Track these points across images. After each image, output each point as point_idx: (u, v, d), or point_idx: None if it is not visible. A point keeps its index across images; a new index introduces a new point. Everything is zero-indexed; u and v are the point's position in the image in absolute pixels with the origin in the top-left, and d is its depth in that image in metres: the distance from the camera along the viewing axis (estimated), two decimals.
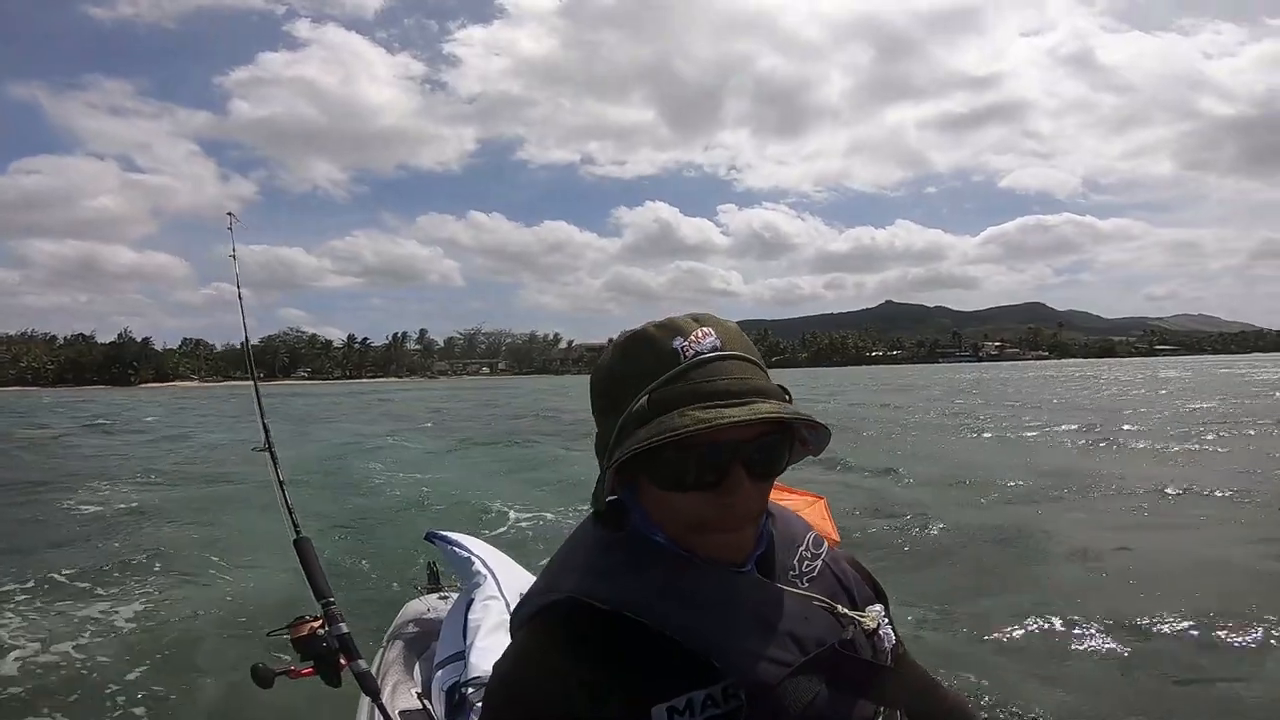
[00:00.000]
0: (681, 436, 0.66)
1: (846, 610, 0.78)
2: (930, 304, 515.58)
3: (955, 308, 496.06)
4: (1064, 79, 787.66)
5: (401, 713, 1.76)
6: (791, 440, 0.76)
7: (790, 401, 0.73)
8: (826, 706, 0.73)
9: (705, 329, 0.72)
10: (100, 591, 4.98)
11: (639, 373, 0.71)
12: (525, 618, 0.77)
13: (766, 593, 0.75)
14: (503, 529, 6.76)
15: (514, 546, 4.04)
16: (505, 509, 7.53)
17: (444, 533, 2.28)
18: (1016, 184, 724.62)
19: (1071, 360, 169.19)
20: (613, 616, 0.71)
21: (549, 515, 7.25)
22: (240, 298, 2.68)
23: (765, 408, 0.68)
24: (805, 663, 0.72)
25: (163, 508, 8.17)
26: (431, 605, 2.34)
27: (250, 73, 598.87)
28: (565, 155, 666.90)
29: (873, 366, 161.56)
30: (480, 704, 1.60)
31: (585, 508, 0.79)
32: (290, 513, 2.04)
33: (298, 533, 1.98)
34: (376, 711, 1.63)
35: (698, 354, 0.71)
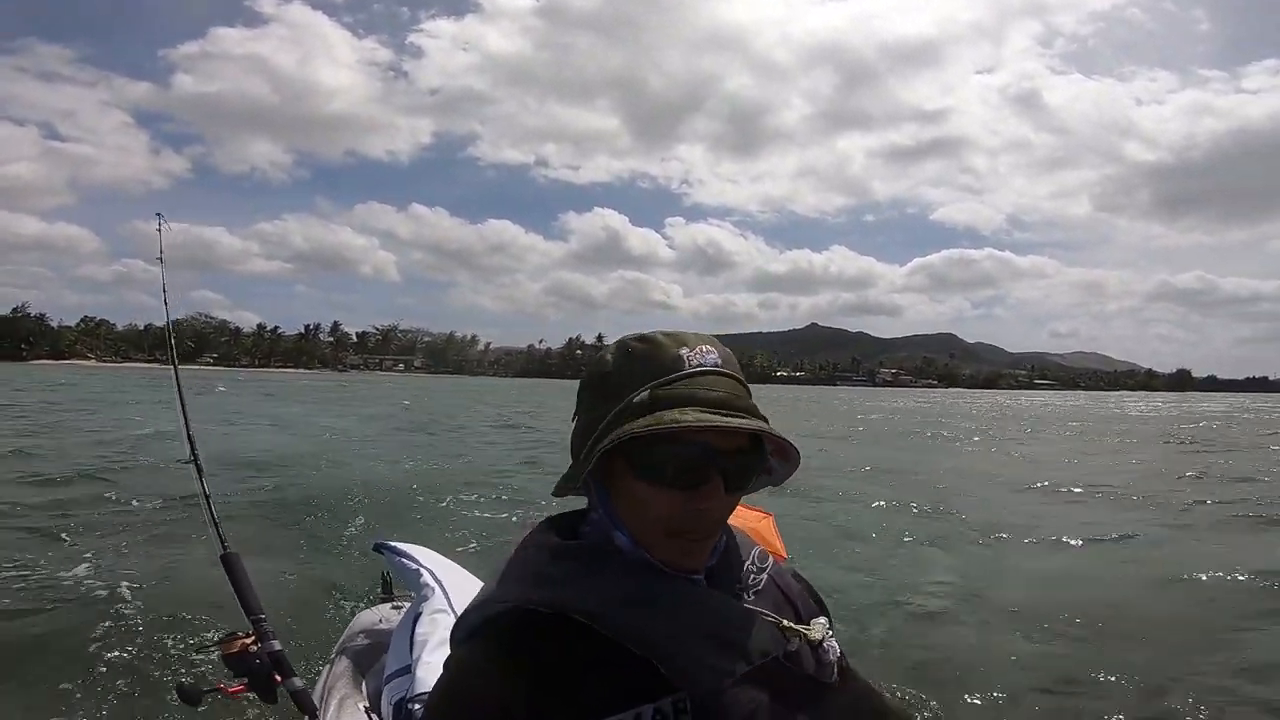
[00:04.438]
0: (687, 428, 0.71)
1: (791, 624, 0.80)
2: (852, 329, 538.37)
3: (875, 334, 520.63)
4: (1008, 118, 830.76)
5: None
6: (761, 466, 0.79)
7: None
8: (768, 717, 0.75)
9: (709, 347, 0.78)
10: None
11: (642, 371, 0.75)
12: (467, 629, 0.77)
13: (715, 603, 0.77)
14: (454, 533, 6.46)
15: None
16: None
17: (392, 543, 2.23)
18: (947, 218, 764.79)
19: (954, 389, 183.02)
20: (559, 626, 0.72)
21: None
22: (165, 303, 2.63)
23: (763, 426, 0.73)
24: (749, 673, 0.74)
25: (59, 504, 7.15)
26: (384, 615, 2.29)
27: (200, 47, 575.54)
28: (519, 156, 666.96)
29: (776, 386, 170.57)
30: None
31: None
32: (217, 527, 1.98)
33: (225, 548, 1.93)
34: None
35: (700, 365, 0.76)
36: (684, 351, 0.76)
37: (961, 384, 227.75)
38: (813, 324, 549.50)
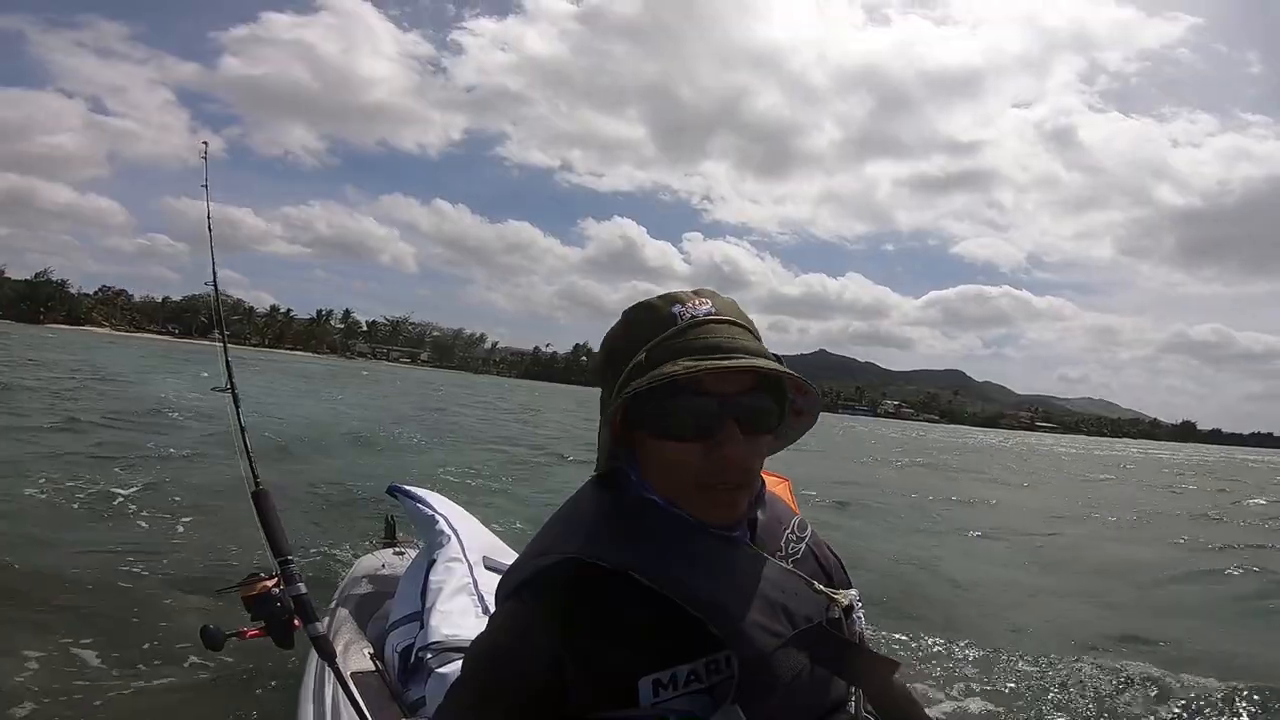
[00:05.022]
0: (670, 379, 0.72)
1: (830, 591, 0.82)
2: (861, 359, 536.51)
3: (883, 365, 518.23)
4: (1040, 154, 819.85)
5: (354, 674, 1.69)
6: (783, 407, 0.81)
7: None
8: (809, 681, 0.77)
9: (703, 299, 0.80)
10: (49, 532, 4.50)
11: (640, 336, 0.78)
12: (519, 580, 0.79)
13: (761, 565, 0.80)
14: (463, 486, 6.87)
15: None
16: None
17: (407, 487, 2.20)
18: (967, 252, 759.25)
19: (954, 426, 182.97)
20: (611, 581, 0.73)
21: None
22: (210, 229, 2.51)
23: (759, 362, 0.74)
24: (794, 636, 0.76)
25: (99, 451, 7.66)
26: (386, 561, 2.28)
27: (250, 30, 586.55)
28: (545, 159, 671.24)
29: None
30: (439, 669, 1.58)
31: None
32: (250, 462, 1.92)
33: (257, 485, 1.87)
34: (329, 675, 1.58)
35: (694, 317, 0.78)
36: (677, 308, 0.79)
37: (964, 421, 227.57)
38: (822, 350, 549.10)
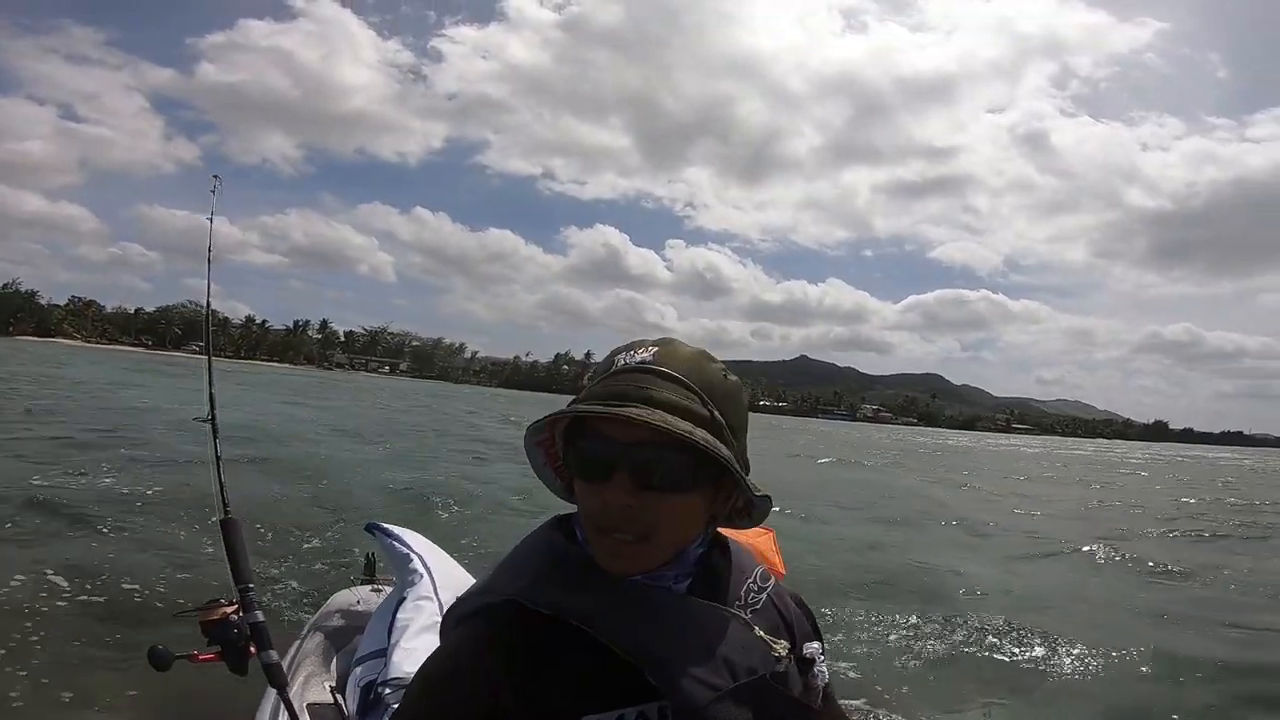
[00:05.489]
0: (551, 422, 0.78)
1: (782, 643, 0.80)
2: (842, 364, 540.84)
3: (863, 370, 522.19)
4: (1014, 158, 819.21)
5: (310, 705, 1.72)
6: (707, 472, 0.76)
7: (731, 444, 0.76)
8: None
9: (651, 348, 0.79)
10: None
11: (590, 379, 0.81)
12: (460, 616, 0.80)
13: (707, 615, 0.78)
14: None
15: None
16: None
17: (385, 525, 2.21)
18: (945, 256, 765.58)
19: (931, 428, 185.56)
20: (551, 624, 0.73)
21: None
22: (209, 262, 2.55)
23: (634, 410, 0.71)
24: (734, 689, 0.74)
25: (74, 462, 7.77)
26: (362, 597, 2.26)
27: (228, 37, 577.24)
28: (527, 167, 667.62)
29: (758, 415, 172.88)
30: (396, 705, 1.48)
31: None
32: (222, 491, 1.96)
33: (226, 513, 1.91)
34: (282, 705, 1.56)
35: (625, 365, 0.78)
36: (620, 355, 0.80)
37: (941, 424, 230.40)
38: (802, 356, 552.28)
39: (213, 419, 2.11)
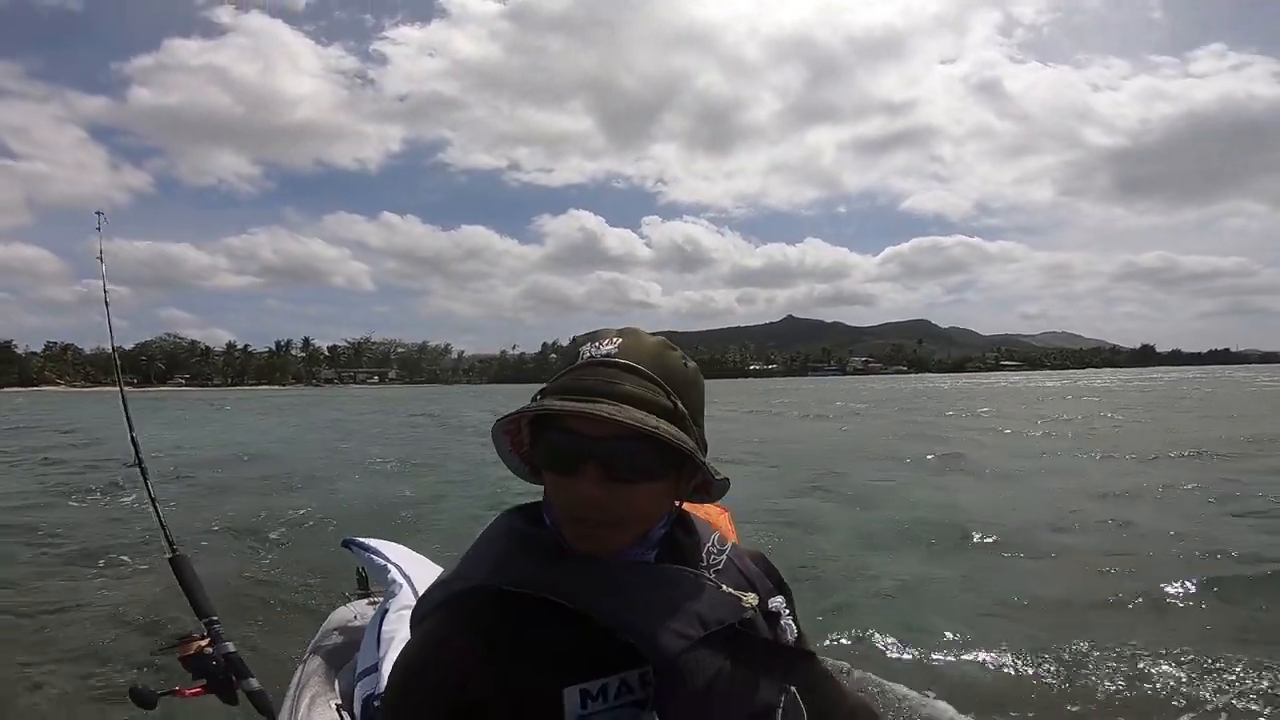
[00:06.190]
0: (518, 416, 0.78)
1: (751, 596, 0.82)
2: (829, 319, 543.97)
3: (850, 323, 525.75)
4: (971, 106, 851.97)
5: None
6: (671, 460, 0.78)
7: (691, 431, 0.79)
8: (729, 682, 0.76)
9: (615, 339, 0.80)
10: None
11: (557, 372, 0.80)
12: (430, 605, 0.80)
13: (675, 577, 0.80)
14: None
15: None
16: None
17: (361, 539, 2.22)
18: (917, 206, 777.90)
19: (922, 374, 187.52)
20: (525, 603, 0.75)
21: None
22: (107, 304, 2.56)
23: (604, 408, 0.73)
24: (706, 636, 0.76)
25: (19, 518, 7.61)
26: (359, 612, 2.26)
27: (155, 59, 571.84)
28: (491, 160, 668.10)
29: (749, 380, 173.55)
30: None
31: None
32: (165, 530, 1.96)
33: (174, 551, 1.89)
34: None
35: (590, 358, 0.79)
36: (585, 347, 0.81)
37: (931, 369, 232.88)
38: (789, 316, 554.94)
39: (139, 463, 2.21)
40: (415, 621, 0.83)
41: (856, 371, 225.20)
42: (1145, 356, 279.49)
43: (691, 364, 0.84)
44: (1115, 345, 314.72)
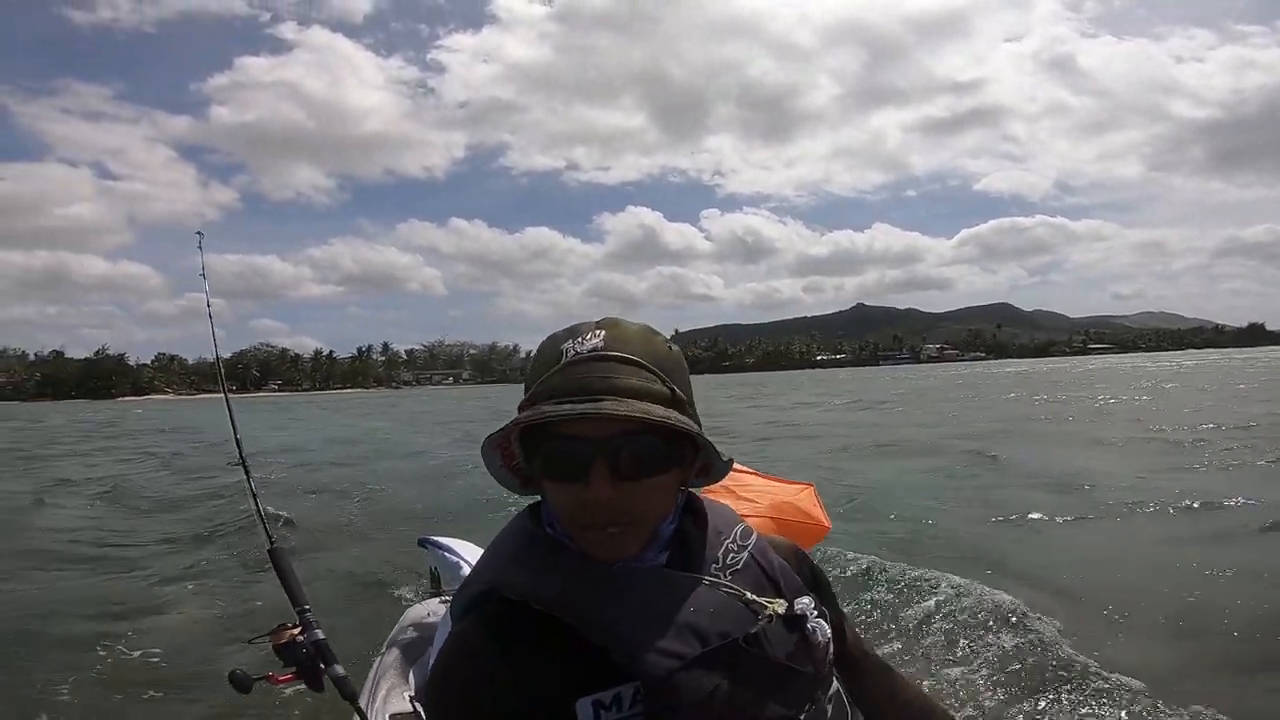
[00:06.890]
0: (518, 427, 0.74)
1: (779, 601, 0.77)
2: (901, 306, 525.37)
3: (925, 309, 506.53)
4: (1043, 83, 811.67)
5: (393, 716, 1.82)
6: (677, 449, 0.76)
7: (691, 414, 0.76)
8: (727, 703, 0.71)
9: (597, 332, 0.76)
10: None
11: (538, 371, 0.76)
12: (460, 607, 0.81)
13: (672, 583, 0.76)
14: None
15: None
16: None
17: (435, 537, 2.32)
18: (991, 187, 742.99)
19: (1000, 360, 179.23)
20: (529, 610, 0.73)
21: None
22: (210, 317, 2.72)
23: (608, 405, 0.69)
24: (702, 655, 0.71)
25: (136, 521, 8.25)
26: (432, 610, 2.33)
27: (229, 77, 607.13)
28: (549, 161, 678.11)
29: (814, 370, 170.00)
30: None
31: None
32: (264, 524, 2.08)
33: (272, 542, 1.99)
34: (356, 716, 1.62)
35: (577, 354, 0.74)
36: (567, 343, 0.76)
37: (1011, 354, 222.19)
38: (859, 304, 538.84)
39: (243, 462, 2.32)
40: (453, 619, 0.84)
41: (931, 359, 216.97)
42: (1254, 335, 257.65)
43: (675, 348, 0.81)
44: (1220, 324, 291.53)
